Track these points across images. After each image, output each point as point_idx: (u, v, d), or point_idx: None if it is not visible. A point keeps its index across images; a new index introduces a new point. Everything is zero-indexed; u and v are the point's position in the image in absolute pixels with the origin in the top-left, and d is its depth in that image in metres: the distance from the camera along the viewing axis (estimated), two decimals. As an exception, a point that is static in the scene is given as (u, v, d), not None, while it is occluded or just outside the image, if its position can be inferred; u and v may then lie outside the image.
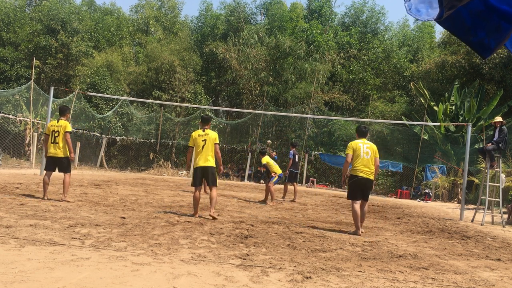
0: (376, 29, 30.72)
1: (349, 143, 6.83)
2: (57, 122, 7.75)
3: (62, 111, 7.95)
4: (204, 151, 6.90)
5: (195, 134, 7.06)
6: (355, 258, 4.70)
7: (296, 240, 5.47)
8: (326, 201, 13.03)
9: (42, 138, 17.15)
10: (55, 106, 20.39)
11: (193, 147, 7.08)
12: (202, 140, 6.92)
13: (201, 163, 6.90)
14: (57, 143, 7.64)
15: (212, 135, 7.01)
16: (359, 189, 6.61)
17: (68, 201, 7.37)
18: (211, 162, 6.94)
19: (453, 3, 1.97)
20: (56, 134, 7.65)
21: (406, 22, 33.19)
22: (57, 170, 7.75)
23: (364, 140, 6.77)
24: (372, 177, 6.64)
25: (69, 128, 7.74)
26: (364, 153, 6.59)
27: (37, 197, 7.66)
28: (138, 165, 23.81)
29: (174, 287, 3.16)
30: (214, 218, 6.73)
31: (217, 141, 7.07)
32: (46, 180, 7.59)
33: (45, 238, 4.40)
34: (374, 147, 6.79)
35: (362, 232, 6.60)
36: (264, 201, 10.67)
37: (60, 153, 7.65)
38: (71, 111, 19.86)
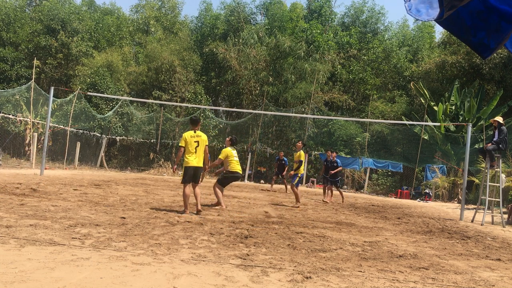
0: (376, 29, 30.73)
1: (224, 150, 8.31)
2: None
3: None
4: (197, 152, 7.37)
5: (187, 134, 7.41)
6: (355, 258, 4.70)
7: (296, 240, 5.47)
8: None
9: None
10: (55, 106, 20.41)
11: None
12: (195, 141, 7.30)
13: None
14: None
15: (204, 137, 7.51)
16: (233, 181, 8.76)
17: None
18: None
19: (453, 3, 1.97)
20: None
21: (406, 22, 33.27)
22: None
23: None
24: None
25: None
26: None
27: (37, 197, 7.67)
28: (138, 165, 23.79)
29: (174, 287, 3.16)
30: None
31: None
32: None
33: (45, 238, 4.40)
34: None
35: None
36: (297, 204, 10.20)
37: None
38: (72, 110, 19.91)
